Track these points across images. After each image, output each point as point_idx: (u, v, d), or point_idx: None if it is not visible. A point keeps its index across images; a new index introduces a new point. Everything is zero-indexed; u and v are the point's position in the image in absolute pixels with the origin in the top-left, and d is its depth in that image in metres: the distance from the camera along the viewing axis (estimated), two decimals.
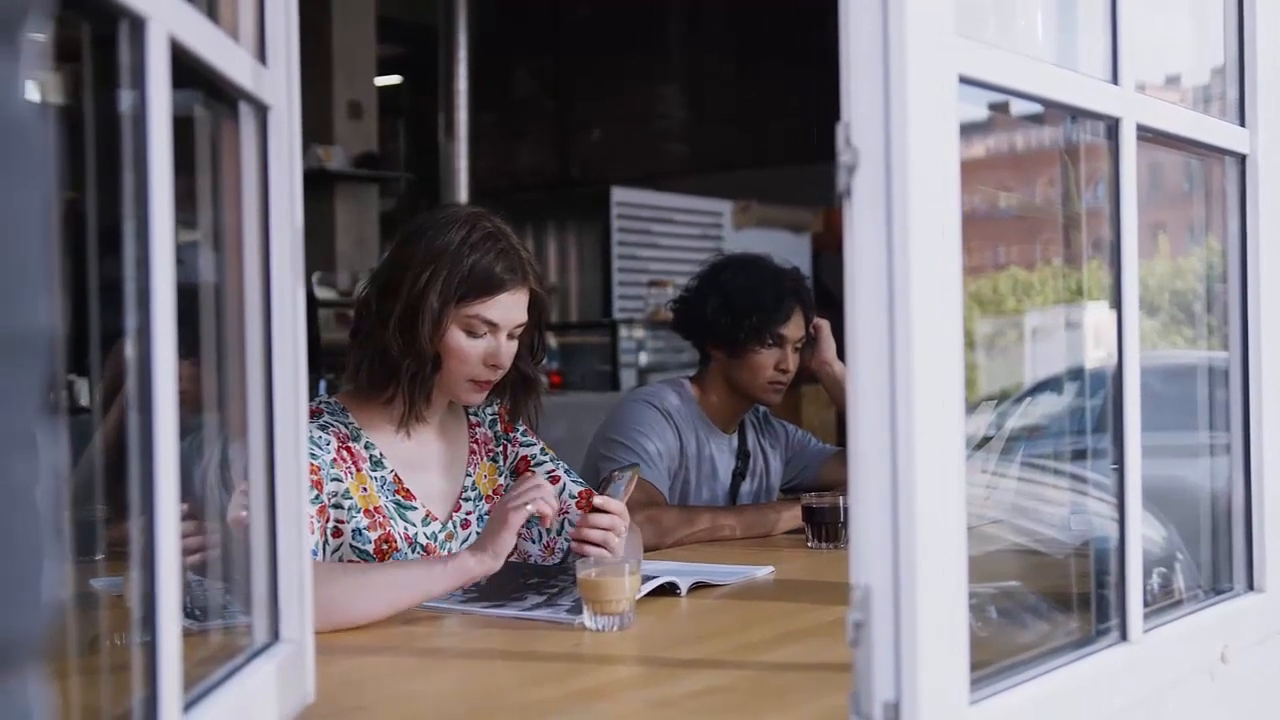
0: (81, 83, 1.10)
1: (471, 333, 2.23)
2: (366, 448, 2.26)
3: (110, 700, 1.19)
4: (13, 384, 0.58)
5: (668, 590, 2.15)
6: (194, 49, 1.13)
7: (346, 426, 2.25)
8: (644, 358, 7.60)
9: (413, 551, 2.25)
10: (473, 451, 2.41)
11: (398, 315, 2.20)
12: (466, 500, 2.38)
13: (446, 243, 2.21)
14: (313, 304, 4.12)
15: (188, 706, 1.11)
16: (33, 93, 0.62)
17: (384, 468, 2.27)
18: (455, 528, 2.34)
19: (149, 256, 1.03)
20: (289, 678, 1.39)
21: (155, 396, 1.03)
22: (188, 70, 1.13)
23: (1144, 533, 1.59)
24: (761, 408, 3.25)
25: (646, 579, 2.08)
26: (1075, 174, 1.79)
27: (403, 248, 2.26)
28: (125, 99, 1.04)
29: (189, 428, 1.14)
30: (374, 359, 2.24)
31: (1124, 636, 1.54)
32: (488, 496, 2.40)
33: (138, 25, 1.01)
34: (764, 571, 2.40)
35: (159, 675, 1.03)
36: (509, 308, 2.24)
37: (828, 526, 2.70)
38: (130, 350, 1.04)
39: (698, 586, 2.22)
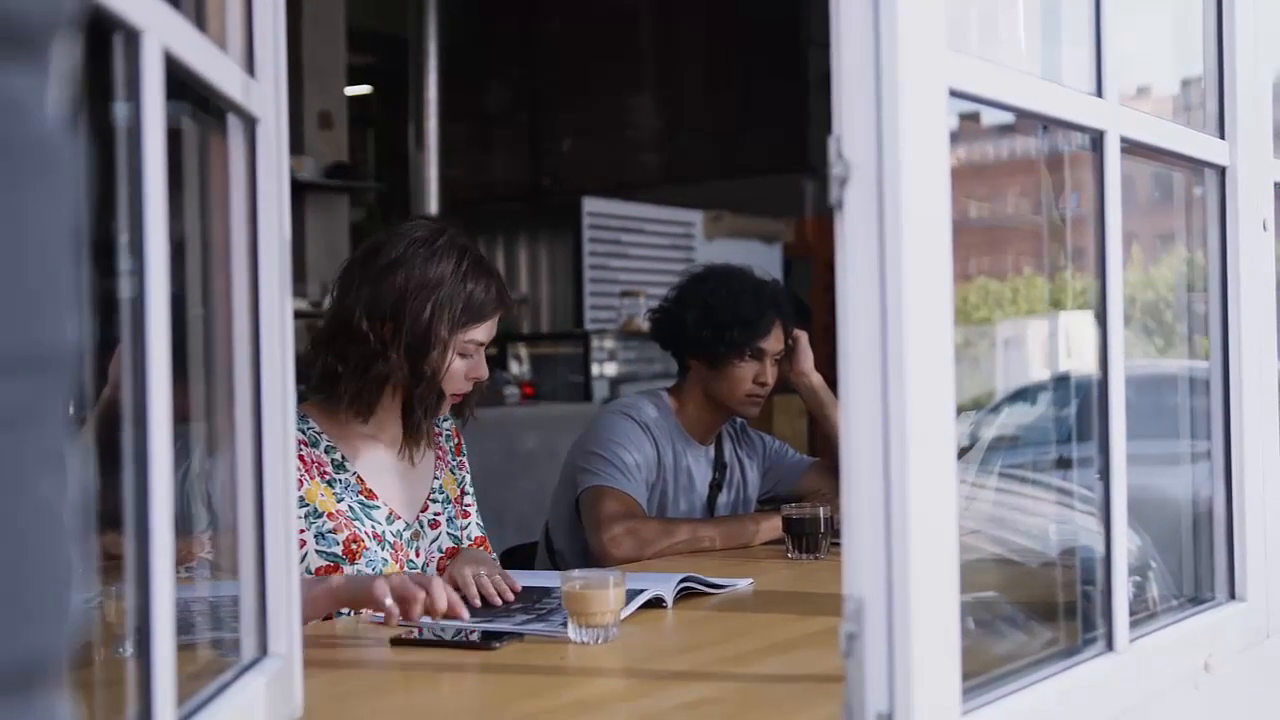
0: (74, 94, 1.09)
1: (464, 354, 2.34)
2: (327, 452, 2.32)
3: (102, 715, 1.18)
4: (41, 400, 0.58)
5: (653, 603, 2.15)
6: (187, 61, 1.12)
7: (304, 432, 2.28)
8: (616, 368, 7.59)
9: (381, 549, 2.30)
10: (439, 456, 2.49)
11: (406, 346, 2.26)
12: (435, 501, 2.45)
13: (441, 273, 2.29)
14: None
15: None
16: (60, 108, 0.61)
17: (347, 470, 2.32)
18: (423, 527, 2.41)
19: (144, 268, 1.02)
20: (278, 693, 1.38)
21: (149, 409, 1.02)
22: (177, 82, 1.12)
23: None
24: (739, 419, 3.25)
25: (632, 593, 2.08)
26: (1047, 184, 1.81)
27: (387, 274, 2.28)
28: (119, 110, 1.03)
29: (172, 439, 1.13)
30: (375, 384, 2.29)
31: (1110, 646, 1.55)
32: (454, 500, 2.49)
33: (133, 37, 1.01)
34: (745, 583, 2.40)
35: (153, 690, 1.02)
36: (493, 327, 2.38)
37: (808, 537, 2.70)
38: (123, 362, 1.04)
39: (685, 593, 2.22)
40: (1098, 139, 1.55)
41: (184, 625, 1.43)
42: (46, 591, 0.58)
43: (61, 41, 0.61)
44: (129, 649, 1.14)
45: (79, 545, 0.61)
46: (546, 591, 2.22)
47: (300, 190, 7.47)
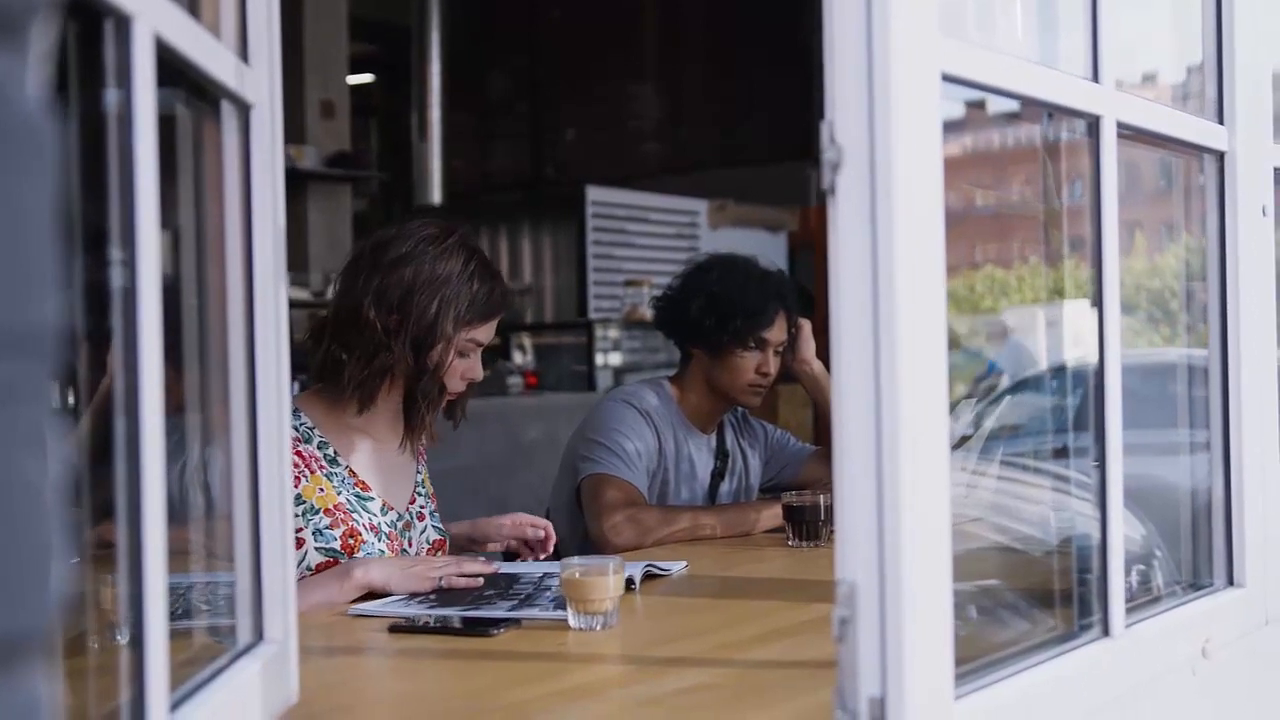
0: (64, 80, 1.09)
1: (462, 353, 2.37)
2: (320, 447, 2.34)
3: (95, 701, 1.19)
4: (24, 380, 0.58)
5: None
6: (178, 47, 1.12)
7: (297, 429, 2.29)
8: (620, 358, 7.59)
9: (378, 540, 2.33)
10: (420, 454, 2.54)
11: (410, 339, 2.30)
12: (420, 495, 2.50)
13: (449, 271, 2.33)
14: None
15: (174, 706, 1.11)
16: (39, 90, 0.61)
17: (340, 465, 2.35)
18: (413, 518, 2.45)
19: (135, 257, 1.02)
20: (273, 678, 1.38)
21: (141, 398, 1.02)
22: (170, 68, 1.12)
23: (1123, 530, 1.60)
24: (740, 407, 3.25)
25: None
26: (1052, 172, 1.80)
27: (395, 268, 2.32)
28: (110, 97, 1.03)
29: (168, 429, 1.14)
30: (378, 375, 2.32)
31: (1106, 632, 1.55)
32: (432, 495, 2.54)
33: (123, 23, 1.01)
34: (678, 566, 2.42)
35: (146, 676, 1.02)
36: (493, 329, 2.42)
37: (808, 525, 2.70)
38: (115, 352, 1.04)
39: (649, 577, 2.28)
40: (1094, 124, 1.55)
41: (183, 611, 1.43)
42: (28, 569, 0.58)
43: (41, 25, 0.61)
44: (126, 635, 1.14)
45: (62, 524, 0.61)
46: (515, 578, 2.25)
47: (302, 180, 7.48)
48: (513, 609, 2.01)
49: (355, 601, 2.12)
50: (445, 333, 2.32)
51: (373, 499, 2.36)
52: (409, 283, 2.30)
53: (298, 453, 2.28)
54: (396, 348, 2.30)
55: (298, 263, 7.24)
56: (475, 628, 1.90)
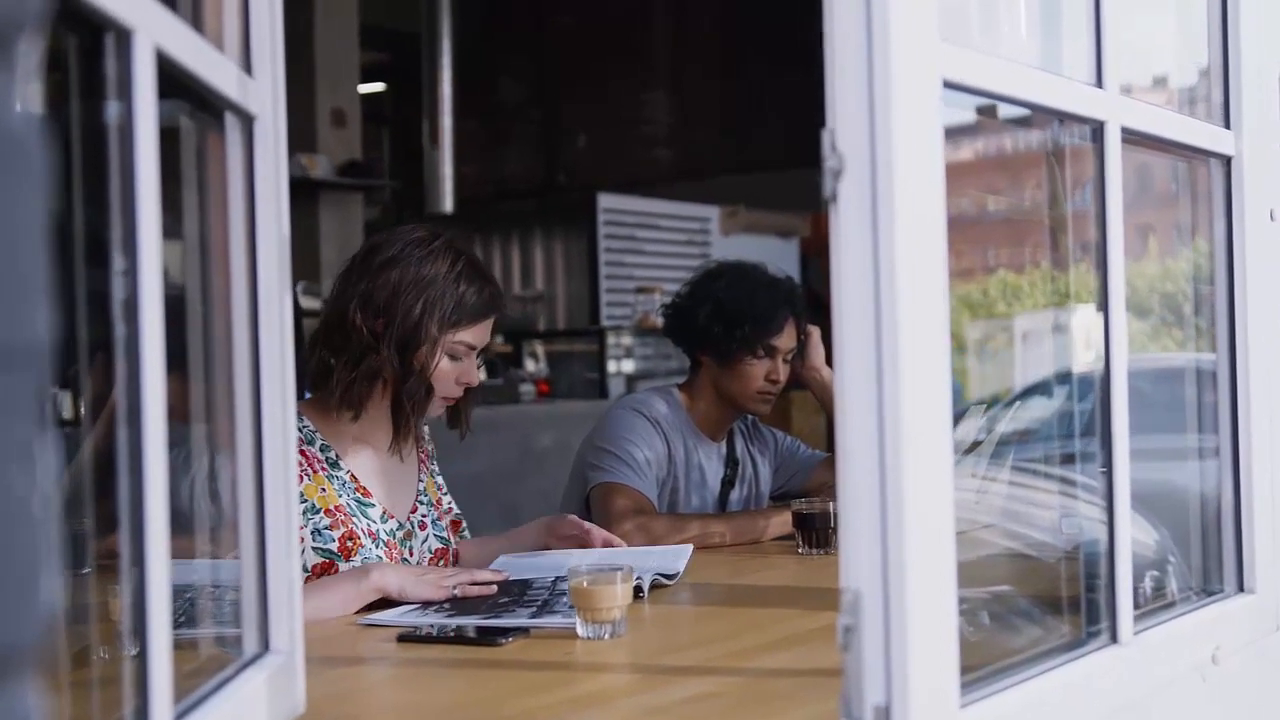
0: (66, 93, 1.09)
1: (453, 356, 2.36)
2: (322, 450, 2.35)
3: (101, 712, 1.19)
4: (12, 394, 0.59)
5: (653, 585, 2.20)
6: (180, 60, 1.13)
7: (301, 431, 2.30)
8: (632, 365, 7.59)
9: (376, 547, 2.33)
10: (422, 461, 2.53)
11: (396, 341, 2.29)
12: (422, 503, 2.49)
13: (435, 273, 2.32)
14: (297, 314, 4.18)
15: (178, 718, 1.11)
16: (29, 105, 0.62)
17: (341, 469, 2.36)
18: (414, 528, 2.45)
19: (137, 268, 1.03)
20: (279, 689, 1.38)
21: (144, 409, 1.03)
22: (173, 81, 1.13)
23: (1136, 536, 1.59)
24: (750, 415, 3.25)
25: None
26: (1062, 177, 1.80)
27: (382, 271, 2.33)
28: (111, 110, 1.04)
29: (175, 440, 1.14)
30: (365, 379, 2.32)
31: (1114, 638, 1.54)
32: (435, 504, 2.53)
33: (124, 37, 1.01)
34: (684, 556, 2.43)
35: (150, 686, 1.03)
36: (487, 332, 2.40)
37: (818, 532, 2.69)
38: (118, 363, 1.04)
39: (656, 586, 2.27)
40: (1098, 129, 1.55)
41: (187, 619, 1.44)
42: (16, 583, 0.58)
43: (30, 39, 0.61)
44: (135, 647, 1.15)
45: (52, 538, 0.62)
46: (527, 584, 2.24)
47: (314, 189, 7.47)
48: (532, 616, 2.01)
49: (369, 610, 2.11)
50: (430, 334, 2.31)
51: (373, 505, 2.37)
52: (395, 285, 2.30)
53: (301, 453, 2.28)
54: (383, 350, 2.29)
55: (310, 272, 7.24)
56: (484, 637, 1.90)
